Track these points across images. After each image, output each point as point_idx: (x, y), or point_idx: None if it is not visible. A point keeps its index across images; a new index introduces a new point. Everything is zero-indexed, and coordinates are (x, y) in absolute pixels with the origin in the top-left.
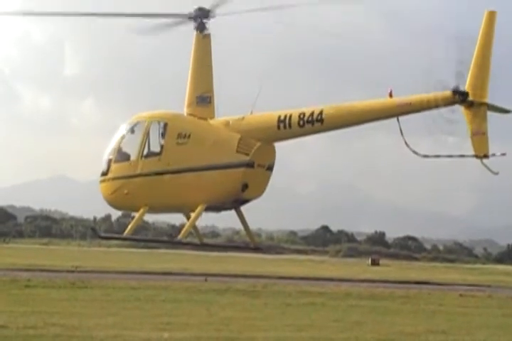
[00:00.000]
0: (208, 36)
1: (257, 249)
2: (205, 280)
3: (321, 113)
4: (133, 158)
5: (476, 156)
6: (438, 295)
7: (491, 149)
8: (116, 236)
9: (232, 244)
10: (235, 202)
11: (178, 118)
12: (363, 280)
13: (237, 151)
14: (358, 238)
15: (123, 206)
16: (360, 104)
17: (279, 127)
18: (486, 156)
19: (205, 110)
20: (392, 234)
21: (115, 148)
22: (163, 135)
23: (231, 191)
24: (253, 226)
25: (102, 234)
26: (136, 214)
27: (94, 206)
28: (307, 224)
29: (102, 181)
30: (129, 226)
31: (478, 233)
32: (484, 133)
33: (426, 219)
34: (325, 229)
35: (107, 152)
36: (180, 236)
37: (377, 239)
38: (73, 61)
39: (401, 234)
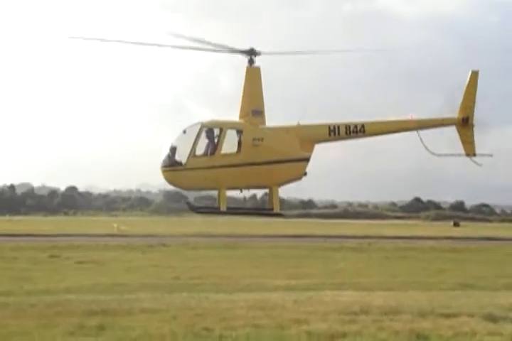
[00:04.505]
0: (258, 68)
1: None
2: (325, 240)
3: (363, 126)
4: (211, 154)
5: (467, 155)
6: (506, 248)
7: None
8: (212, 210)
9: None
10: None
11: (251, 126)
12: (446, 237)
13: (301, 149)
14: (443, 206)
15: (197, 188)
16: (391, 120)
17: (330, 134)
18: (474, 155)
19: (259, 119)
20: (470, 202)
21: (191, 147)
22: (239, 138)
23: (298, 177)
24: (363, 199)
25: (198, 208)
26: (220, 194)
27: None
28: (404, 196)
29: (174, 170)
30: (221, 202)
31: None
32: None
33: (496, 190)
34: (417, 200)
35: (179, 149)
36: (275, 209)
37: (458, 206)
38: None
39: (477, 202)
